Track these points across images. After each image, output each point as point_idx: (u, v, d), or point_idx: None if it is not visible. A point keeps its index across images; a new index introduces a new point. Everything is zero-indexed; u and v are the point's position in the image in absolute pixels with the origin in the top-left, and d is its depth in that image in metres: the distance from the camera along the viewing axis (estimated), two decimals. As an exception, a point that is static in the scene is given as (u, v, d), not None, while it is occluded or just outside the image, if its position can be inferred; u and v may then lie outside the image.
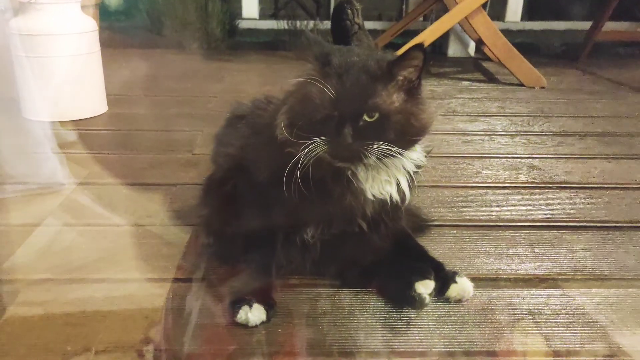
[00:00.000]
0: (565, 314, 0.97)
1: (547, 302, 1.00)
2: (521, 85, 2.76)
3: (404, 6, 4.17)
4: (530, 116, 2.26)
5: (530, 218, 1.35)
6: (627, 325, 0.94)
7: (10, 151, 1.74)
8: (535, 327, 0.94)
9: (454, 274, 1.00)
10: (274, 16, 4.26)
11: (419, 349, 0.88)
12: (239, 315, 0.90)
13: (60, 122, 2.00)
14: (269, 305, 0.93)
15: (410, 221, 1.15)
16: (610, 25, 3.40)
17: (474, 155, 1.79)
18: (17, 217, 1.32)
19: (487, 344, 0.89)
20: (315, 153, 0.90)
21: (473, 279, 1.01)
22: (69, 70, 2.01)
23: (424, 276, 0.96)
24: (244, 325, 0.90)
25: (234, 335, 0.89)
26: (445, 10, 2.92)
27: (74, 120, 2.03)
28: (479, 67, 3.30)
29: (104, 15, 3.06)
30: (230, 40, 3.69)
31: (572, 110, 2.36)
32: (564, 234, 1.27)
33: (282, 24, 3.67)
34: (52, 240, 1.20)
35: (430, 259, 1.05)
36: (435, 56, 3.55)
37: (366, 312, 0.97)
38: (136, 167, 1.63)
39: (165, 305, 0.97)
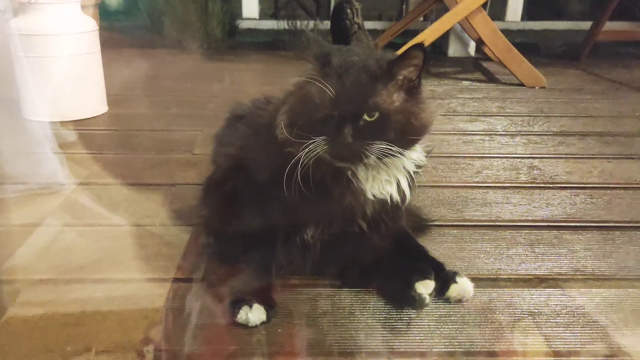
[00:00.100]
0: (566, 314, 0.97)
1: (547, 302, 1.00)
2: (521, 85, 2.76)
3: (404, 6, 4.18)
4: (531, 116, 2.26)
5: (530, 218, 1.35)
6: (628, 326, 0.94)
7: (10, 151, 1.74)
8: (535, 327, 0.94)
9: (454, 274, 1.00)
10: (274, 16, 4.26)
11: (419, 349, 0.88)
12: (239, 316, 0.90)
13: (60, 122, 2.00)
14: (269, 306, 0.93)
15: (410, 221, 1.15)
16: (610, 25, 3.40)
17: (474, 155, 1.79)
18: (17, 217, 1.32)
19: (487, 344, 0.89)
20: (315, 153, 0.90)
21: (473, 279, 1.01)
22: (69, 71, 2.01)
23: (424, 276, 0.96)
24: (244, 326, 0.90)
25: (234, 336, 0.89)
26: (446, 10, 2.92)
27: (74, 121, 2.03)
28: (479, 67, 3.30)
29: (104, 15, 3.06)
30: (231, 40, 3.69)
31: (572, 110, 2.36)
32: (564, 234, 1.26)
33: (282, 24, 3.67)
34: (52, 240, 1.20)
35: (430, 259, 1.05)
36: (435, 56, 3.55)
37: (366, 312, 0.97)
38: (136, 167, 1.63)
39: (165, 305, 0.97)
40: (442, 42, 3.59)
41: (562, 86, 2.80)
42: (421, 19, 3.73)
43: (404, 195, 1.00)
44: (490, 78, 2.99)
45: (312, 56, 0.95)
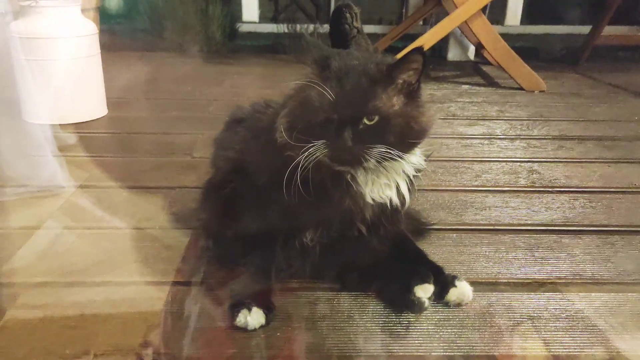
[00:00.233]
0: (565, 318, 0.97)
1: (546, 306, 1.00)
2: (521, 89, 2.77)
3: (403, 10, 4.18)
4: (530, 120, 2.26)
5: (529, 222, 1.35)
6: (627, 330, 0.94)
7: (10, 154, 1.74)
8: (534, 331, 0.94)
9: (454, 277, 1.00)
10: (274, 20, 4.26)
11: (418, 353, 0.88)
12: (238, 319, 0.90)
13: (60, 125, 2.00)
14: (268, 309, 0.93)
15: (409, 225, 1.15)
16: (609, 29, 3.40)
17: (474, 159, 1.79)
18: (17, 220, 1.32)
19: (486, 348, 0.89)
20: (315, 156, 0.90)
21: (472, 283, 1.01)
22: (69, 73, 2.02)
23: (423, 280, 0.96)
24: (243, 329, 0.90)
25: (233, 339, 0.89)
26: (445, 14, 2.93)
27: (74, 123, 2.04)
28: (478, 70, 3.31)
29: (104, 18, 3.07)
30: (231, 44, 3.69)
31: (571, 114, 2.36)
32: (564, 238, 1.27)
33: (282, 28, 3.67)
34: (52, 243, 1.20)
35: (429, 262, 1.04)
36: (434, 60, 3.55)
37: (365, 315, 0.97)
38: (136, 170, 1.63)
39: (164, 308, 0.97)
40: (441, 46, 3.60)
41: (561, 90, 2.80)
42: (421, 22, 3.74)
43: (404, 199, 1.00)
44: (490, 82, 3.00)
45: (312, 60, 0.96)
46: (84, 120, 2.08)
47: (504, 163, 1.76)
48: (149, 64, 3.22)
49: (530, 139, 2.02)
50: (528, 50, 3.41)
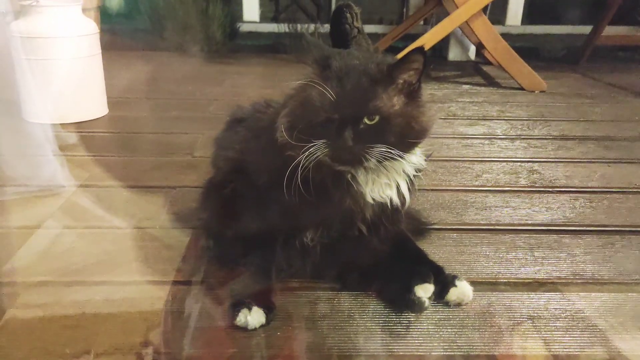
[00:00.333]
0: (565, 318, 0.97)
1: (546, 306, 1.00)
2: (521, 89, 2.77)
3: (404, 10, 4.18)
4: (531, 120, 2.26)
5: (530, 222, 1.35)
6: (627, 330, 0.94)
7: (10, 153, 1.74)
8: (534, 331, 0.94)
9: (454, 277, 1.00)
10: (275, 19, 4.27)
11: (418, 353, 0.88)
12: (238, 318, 0.90)
13: (61, 124, 2.00)
14: (269, 309, 0.93)
15: (410, 225, 1.15)
16: (610, 29, 3.40)
17: (474, 159, 1.79)
18: (17, 220, 1.32)
19: (486, 347, 0.89)
20: (315, 156, 0.90)
21: (473, 283, 1.01)
22: (70, 73, 2.02)
23: (423, 280, 0.96)
24: (244, 329, 0.90)
25: (233, 339, 0.89)
26: (446, 14, 2.93)
27: (74, 123, 2.04)
28: (479, 70, 3.31)
29: (105, 17, 3.08)
30: (231, 43, 3.69)
31: (572, 114, 2.36)
32: (564, 238, 1.27)
33: (283, 27, 3.68)
34: (52, 242, 1.20)
35: (429, 262, 1.04)
36: (435, 60, 3.56)
37: (366, 315, 0.97)
38: (136, 169, 1.63)
39: (164, 308, 0.97)
40: (442, 46, 3.60)
41: (562, 90, 2.80)
42: (421, 22, 3.74)
43: (404, 198, 1.00)
44: (490, 82, 3.00)
45: (313, 59, 0.96)
46: (85, 120, 2.08)
47: (504, 163, 1.76)
48: (149, 64, 3.22)
49: (531, 138, 2.02)
50: (529, 50, 3.41)
